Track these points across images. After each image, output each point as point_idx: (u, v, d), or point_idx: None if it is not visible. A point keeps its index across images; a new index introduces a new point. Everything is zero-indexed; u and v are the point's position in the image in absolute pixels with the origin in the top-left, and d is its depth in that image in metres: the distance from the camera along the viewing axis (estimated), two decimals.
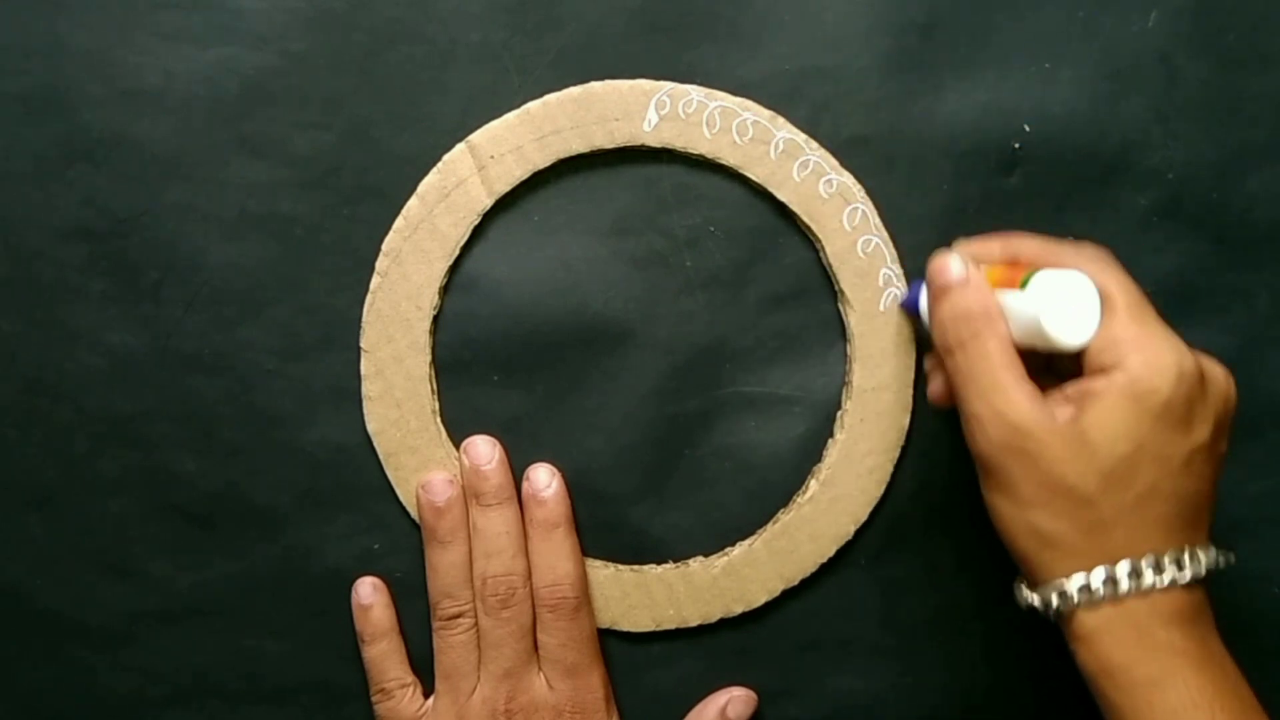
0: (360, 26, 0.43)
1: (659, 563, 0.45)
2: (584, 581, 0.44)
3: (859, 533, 0.45)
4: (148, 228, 0.43)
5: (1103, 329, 0.37)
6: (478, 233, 0.44)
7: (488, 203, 0.43)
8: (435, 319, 0.44)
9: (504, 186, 0.43)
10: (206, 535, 0.45)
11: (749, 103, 0.43)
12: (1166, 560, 0.35)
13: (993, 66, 0.44)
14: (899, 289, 0.44)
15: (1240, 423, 0.38)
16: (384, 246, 0.43)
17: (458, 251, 0.44)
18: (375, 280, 0.44)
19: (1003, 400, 0.36)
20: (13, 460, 0.44)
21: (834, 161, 0.43)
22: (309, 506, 0.45)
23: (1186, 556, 0.36)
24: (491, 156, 0.43)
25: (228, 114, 0.43)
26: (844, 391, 0.45)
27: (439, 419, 0.44)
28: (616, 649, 0.46)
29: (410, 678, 0.45)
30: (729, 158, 0.43)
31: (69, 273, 0.44)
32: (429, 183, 0.43)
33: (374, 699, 0.45)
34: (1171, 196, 0.44)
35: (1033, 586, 0.38)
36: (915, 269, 0.44)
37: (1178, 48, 0.44)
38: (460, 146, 0.43)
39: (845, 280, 0.44)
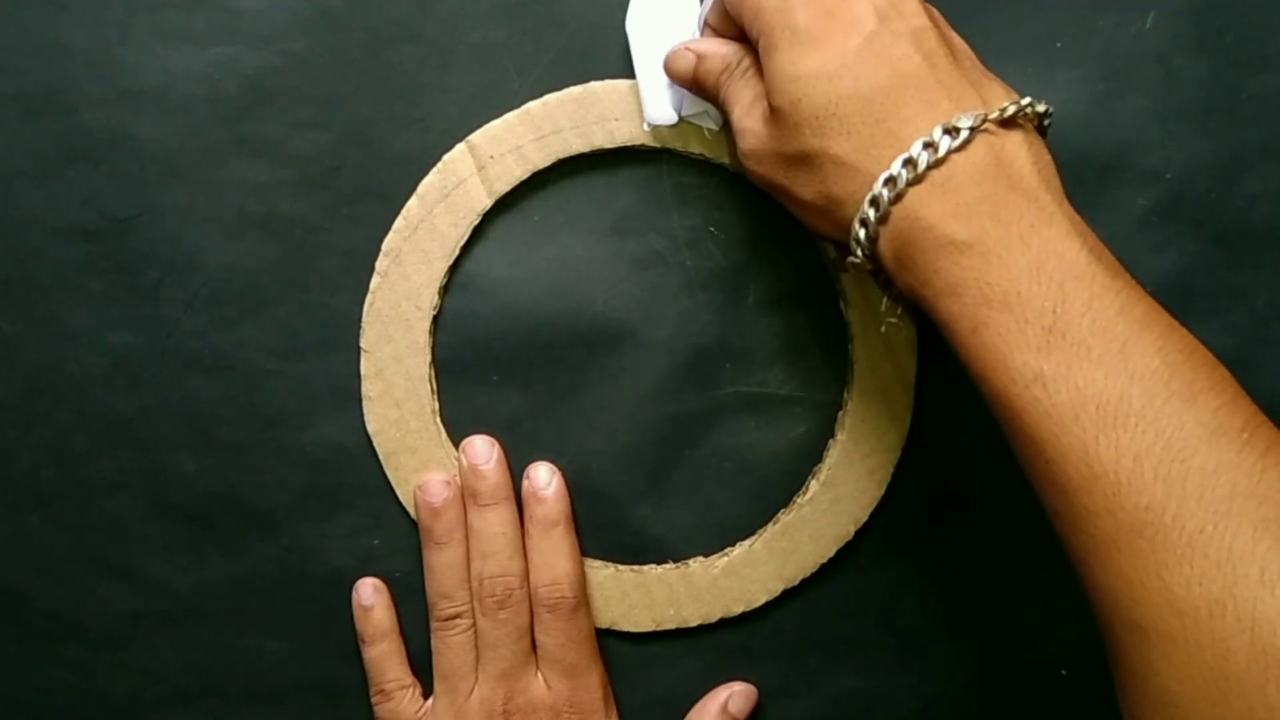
0: (360, 26, 0.43)
1: (659, 563, 0.45)
2: (583, 581, 0.44)
3: (859, 533, 0.45)
4: (148, 228, 0.43)
5: None
6: (478, 233, 0.44)
7: (488, 203, 0.43)
8: (435, 319, 0.44)
9: (504, 186, 0.43)
10: (206, 535, 0.45)
11: None
12: (915, 149, 0.33)
13: (991, 67, 0.44)
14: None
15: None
16: (384, 246, 0.44)
17: (458, 251, 0.44)
18: (375, 280, 0.44)
19: (748, 123, 0.37)
20: (13, 460, 0.44)
21: None
22: (309, 506, 0.45)
23: (937, 131, 0.33)
24: (491, 156, 0.43)
25: (227, 114, 0.43)
26: (845, 392, 0.45)
27: (439, 419, 0.44)
28: (616, 649, 0.46)
29: (410, 679, 0.45)
30: (729, 158, 0.43)
31: (69, 273, 0.44)
32: (429, 183, 0.43)
33: (374, 700, 0.45)
34: (1170, 197, 0.44)
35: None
36: None
37: (1176, 48, 0.44)
38: (460, 146, 0.43)
39: (846, 280, 0.44)
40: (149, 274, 0.44)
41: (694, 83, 0.41)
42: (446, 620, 0.43)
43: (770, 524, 0.45)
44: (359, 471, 0.45)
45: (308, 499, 0.45)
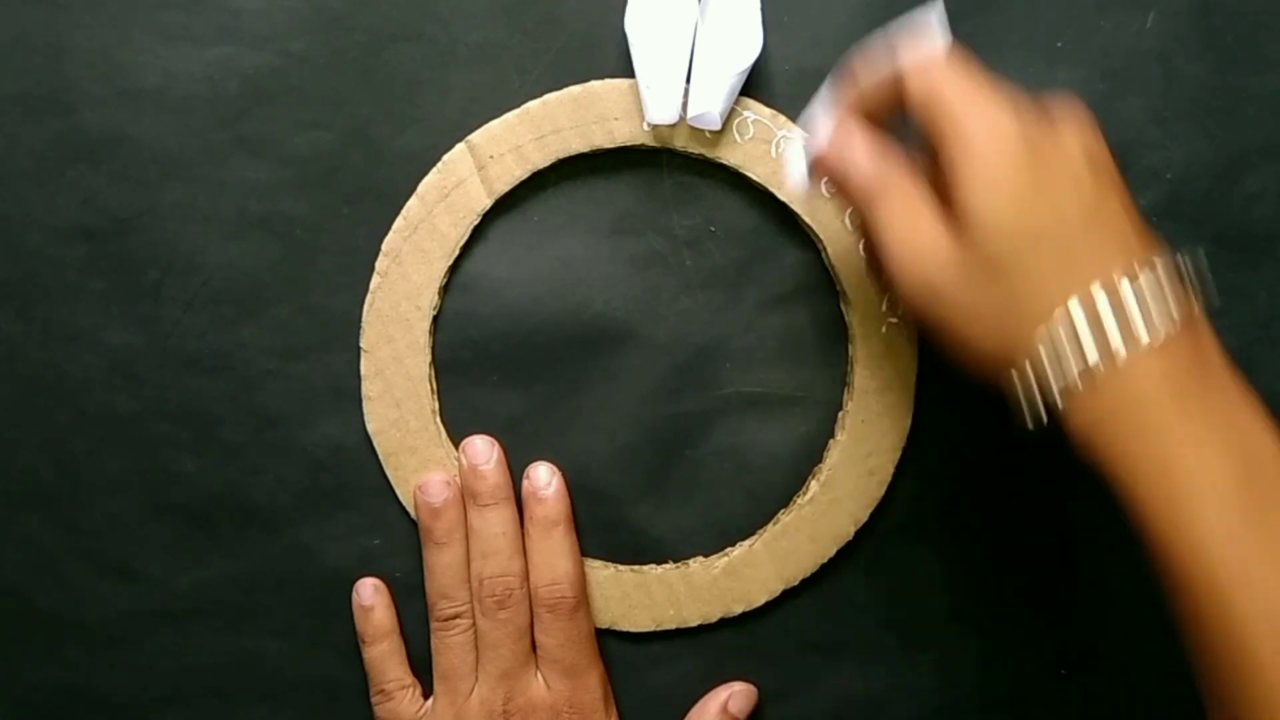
0: (360, 26, 0.43)
1: (659, 563, 0.45)
2: (583, 581, 0.44)
3: (859, 533, 0.45)
4: (148, 228, 0.43)
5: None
6: (478, 233, 0.44)
7: (487, 203, 0.43)
8: (435, 319, 0.44)
9: (504, 186, 0.43)
10: (206, 535, 0.45)
11: (750, 102, 0.43)
12: (1117, 278, 0.33)
13: (990, 67, 0.44)
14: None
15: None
16: (384, 246, 0.44)
17: (458, 251, 0.44)
18: (375, 280, 0.44)
19: (919, 240, 0.35)
20: (13, 460, 0.44)
21: None
22: (309, 506, 0.45)
23: (1137, 266, 0.34)
24: (491, 156, 0.43)
25: (228, 114, 0.43)
26: (845, 392, 0.45)
27: (438, 419, 0.44)
28: (616, 649, 0.46)
29: (410, 679, 0.45)
30: (729, 158, 0.43)
31: (69, 273, 0.44)
32: (429, 183, 0.43)
33: (374, 700, 0.45)
34: (1170, 197, 0.44)
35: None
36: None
37: (1176, 48, 0.44)
38: (460, 146, 0.43)
39: (847, 280, 0.44)
40: (149, 274, 0.44)
41: (832, 175, 0.38)
42: (446, 620, 0.43)
43: (770, 524, 0.45)
44: (359, 471, 0.45)
45: (308, 499, 0.45)
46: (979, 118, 0.35)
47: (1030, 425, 0.35)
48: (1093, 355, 0.33)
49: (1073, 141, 0.35)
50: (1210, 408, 0.33)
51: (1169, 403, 0.33)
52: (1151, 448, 0.33)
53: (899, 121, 0.37)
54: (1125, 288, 0.33)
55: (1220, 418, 0.33)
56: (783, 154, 0.43)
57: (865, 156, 0.37)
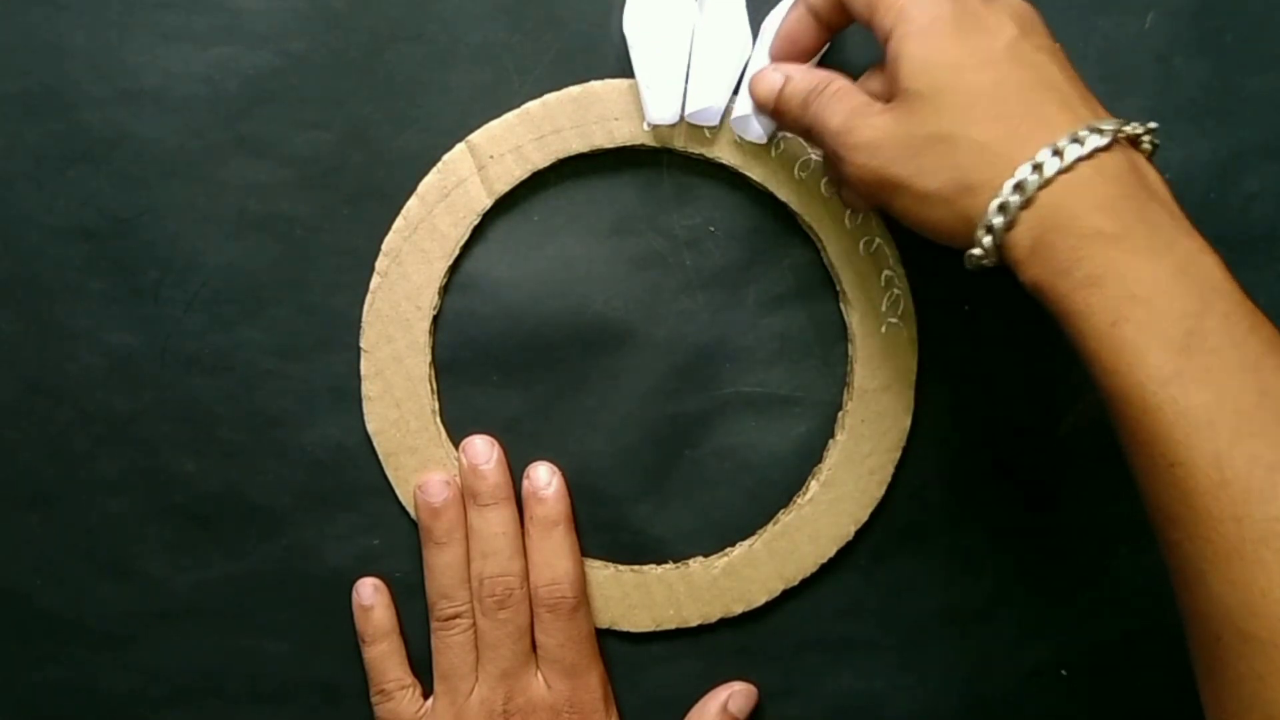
0: (360, 26, 0.43)
1: (659, 563, 0.45)
2: (583, 581, 0.44)
3: (859, 533, 0.45)
4: (148, 228, 0.43)
5: None
6: (478, 233, 0.44)
7: (487, 203, 0.43)
8: (435, 319, 0.44)
9: (504, 186, 0.43)
10: (206, 535, 0.45)
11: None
12: (1064, 143, 0.34)
13: None
14: (899, 290, 0.44)
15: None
16: (384, 246, 0.44)
17: (457, 251, 0.44)
18: (375, 280, 0.44)
19: (860, 123, 0.37)
20: (13, 460, 0.44)
21: None
22: (309, 506, 0.45)
23: (1085, 130, 0.34)
24: (491, 156, 0.43)
25: (228, 114, 0.43)
26: (845, 392, 0.45)
27: (438, 419, 0.44)
28: (616, 649, 0.46)
29: (410, 679, 0.45)
30: (729, 158, 0.43)
31: (69, 273, 0.44)
32: (429, 183, 0.43)
33: (374, 700, 0.45)
34: None
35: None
36: (914, 269, 0.44)
37: (1175, 48, 0.44)
38: (460, 146, 0.43)
39: (847, 281, 0.44)
40: (149, 274, 0.44)
41: (777, 103, 0.41)
42: (446, 620, 0.43)
43: (770, 524, 0.45)
44: (359, 471, 0.45)
45: (308, 499, 0.45)
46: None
47: (986, 265, 0.35)
48: (1032, 183, 0.34)
49: (1007, 11, 0.36)
50: (1152, 233, 0.33)
51: (1099, 215, 0.33)
52: (1089, 263, 0.33)
53: None
54: (1072, 151, 0.34)
55: (1162, 243, 0.33)
56: (734, 107, 0.43)
57: (799, 70, 0.40)
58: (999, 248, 0.35)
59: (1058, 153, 0.34)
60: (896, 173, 0.36)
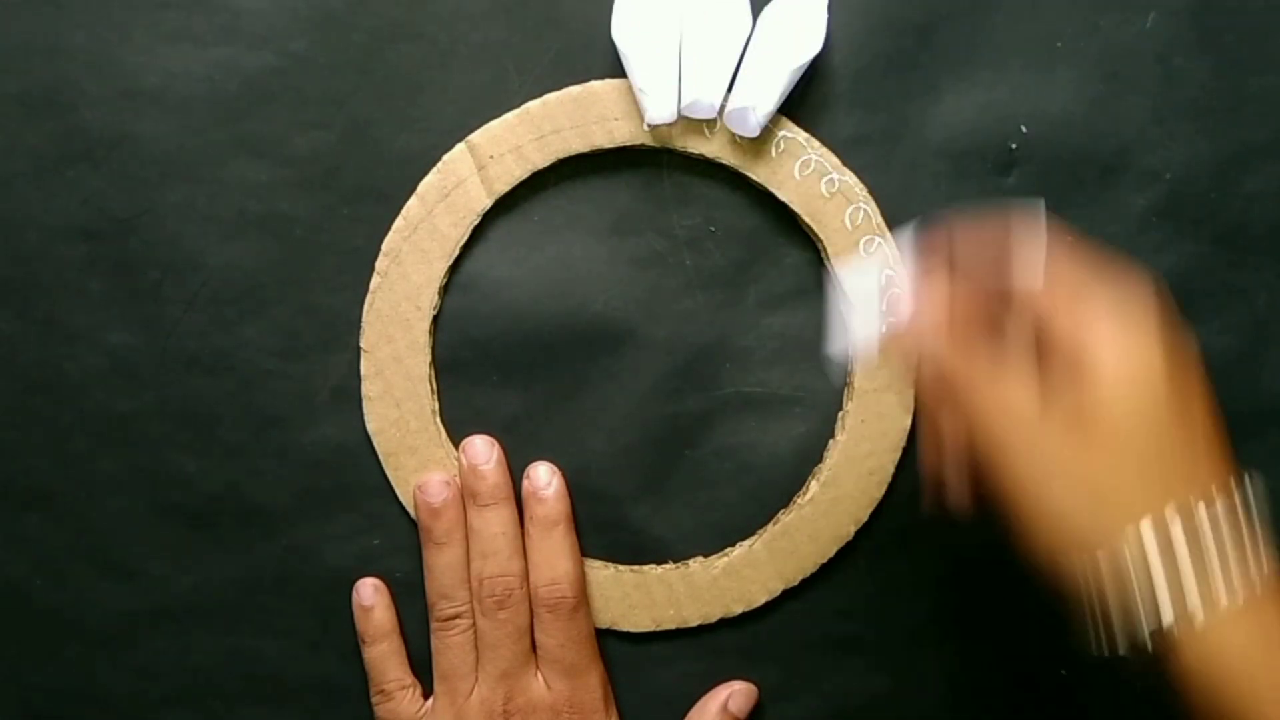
0: (360, 26, 0.43)
1: (659, 563, 0.45)
2: (582, 581, 0.44)
3: (859, 533, 0.45)
4: (148, 228, 0.43)
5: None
6: (478, 233, 0.44)
7: (487, 203, 0.43)
8: (435, 319, 0.44)
9: (504, 186, 0.43)
10: (206, 535, 0.45)
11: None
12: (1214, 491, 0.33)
13: (990, 67, 0.44)
14: (900, 288, 0.44)
15: (1240, 422, 0.37)
16: (384, 246, 0.44)
17: (457, 251, 0.44)
18: (375, 280, 0.44)
19: (1021, 436, 0.35)
20: (13, 460, 0.44)
21: (835, 160, 0.43)
22: (309, 506, 0.45)
23: (1215, 490, 0.34)
24: (491, 156, 0.43)
25: (228, 114, 0.43)
26: (845, 392, 0.45)
27: (438, 419, 0.44)
28: (616, 649, 0.46)
29: (410, 679, 0.45)
30: (729, 158, 0.43)
31: (69, 273, 0.44)
32: (429, 183, 0.43)
33: (374, 700, 0.45)
34: (1170, 197, 0.44)
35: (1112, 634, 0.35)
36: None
37: (1176, 48, 0.44)
38: (460, 146, 0.43)
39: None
40: (149, 274, 0.44)
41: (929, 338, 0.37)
42: (446, 620, 0.43)
43: (770, 524, 0.45)
44: (359, 471, 0.45)
45: (308, 499, 0.45)
46: (1113, 349, 0.34)
47: (1104, 652, 0.34)
48: (1168, 615, 0.33)
49: (1191, 357, 0.35)
50: None
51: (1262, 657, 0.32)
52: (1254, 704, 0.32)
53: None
54: (1201, 512, 0.33)
55: None
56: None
57: (950, 359, 0.36)
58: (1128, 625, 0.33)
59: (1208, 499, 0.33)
60: (1037, 463, 0.35)
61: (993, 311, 0.37)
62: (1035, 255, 0.37)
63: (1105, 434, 0.34)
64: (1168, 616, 0.33)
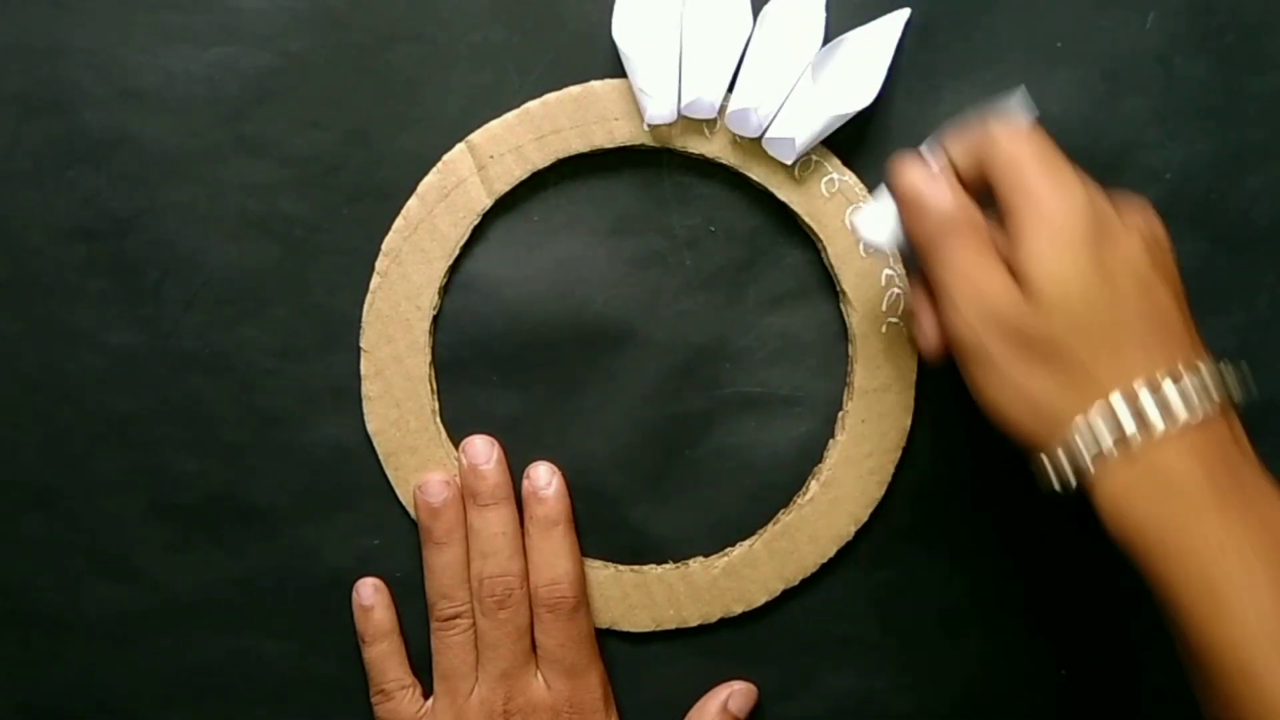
0: (360, 26, 0.43)
1: (659, 563, 0.45)
2: (582, 581, 0.44)
3: (859, 533, 0.45)
4: (148, 228, 0.43)
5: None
6: (478, 233, 0.44)
7: (487, 203, 0.43)
8: (435, 319, 0.44)
9: (504, 186, 0.43)
10: (206, 535, 0.45)
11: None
12: (1160, 377, 0.34)
13: (990, 67, 0.44)
14: (901, 289, 0.44)
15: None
16: (384, 246, 0.44)
17: (457, 251, 0.44)
18: (375, 280, 0.44)
19: (984, 285, 0.36)
20: (13, 460, 0.44)
21: (836, 161, 0.43)
22: (309, 506, 0.45)
23: (1182, 368, 0.34)
24: (491, 156, 0.43)
25: (228, 114, 0.43)
26: (845, 392, 0.45)
27: (438, 419, 0.44)
28: (616, 649, 0.46)
29: (410, 679, 0.45)
30: (729, 158, 0.43)
31: (69, 273, 0.44)
32: (429, 183, 0.43)
33: (374, 700, 0.45)
34: (1170, 196, 0.44)
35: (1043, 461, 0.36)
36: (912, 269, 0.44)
37: (1176, 48, 0.44)
38: (460, 146, 0.43)
39: (847, 280, 0.44)
40: (149, 274, 0.44)
41: (910, 208, 0.38)
42: (446, 620, 0.43)
43: (770, 524, 0.45)
44: (359, 471, 0.45)
45: (308, 499, 0.45)
46: (1054, 188, 0.35)
47: (1058, 489, 0.36)
48: (1130, 427, 0.34)
49: (1139, 232, 0.36)
50: (1245, 500, 0.34)
51: (1202, 482, 0.34)
52: (1184, 527, 0.34)
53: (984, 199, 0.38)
54: (1168, 387, 0.34)
55: (1255, 513, 0.34)
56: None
57: (950, 192, 0.37)
58: (1079, 473, 0.35)
59: (1154, 388, 0.34)
60: (996, 351, 0.36)
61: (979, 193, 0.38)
62: (1016, 119, 0.38)
63: (1045, 304, 0.35)
64: (1129, 427, 0.34)
